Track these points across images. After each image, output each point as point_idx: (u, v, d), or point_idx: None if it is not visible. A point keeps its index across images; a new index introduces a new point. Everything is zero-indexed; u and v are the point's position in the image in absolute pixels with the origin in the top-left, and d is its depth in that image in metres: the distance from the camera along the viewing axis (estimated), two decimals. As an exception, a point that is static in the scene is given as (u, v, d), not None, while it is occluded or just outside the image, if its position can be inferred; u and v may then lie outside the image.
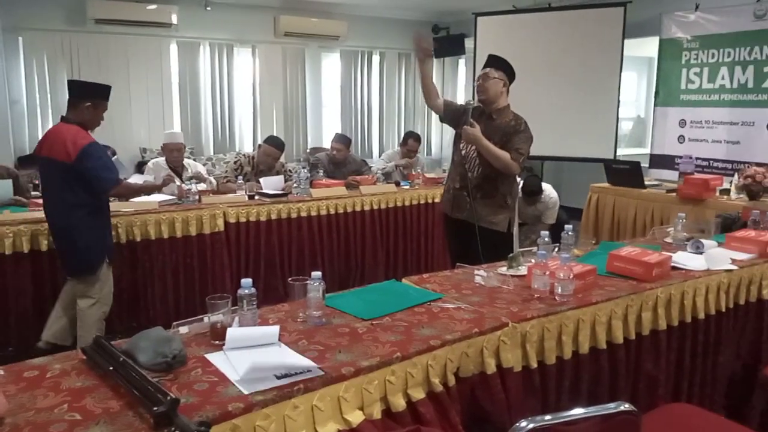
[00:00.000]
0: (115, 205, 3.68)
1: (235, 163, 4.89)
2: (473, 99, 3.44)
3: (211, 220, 4.07)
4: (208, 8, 7.68)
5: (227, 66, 8.03)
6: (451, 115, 3.48)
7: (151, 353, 1.56)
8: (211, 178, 4.91)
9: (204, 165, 6.28)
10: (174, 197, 4.16)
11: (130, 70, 7.32)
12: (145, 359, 1.56)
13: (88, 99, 3.19)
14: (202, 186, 4.50)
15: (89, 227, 3.19)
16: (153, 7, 7.25)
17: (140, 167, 6.60)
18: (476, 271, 2.43)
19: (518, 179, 3.77)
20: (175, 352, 1.57)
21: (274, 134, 6.10)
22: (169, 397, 1.30)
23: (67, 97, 3.23)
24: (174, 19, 7.36)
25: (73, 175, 3.09)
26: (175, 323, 1.82)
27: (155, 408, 1.28)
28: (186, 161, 4.76)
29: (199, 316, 1.84)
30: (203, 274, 4.08)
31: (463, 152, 3.34)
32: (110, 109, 3.38)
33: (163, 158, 4.66)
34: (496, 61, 3.31)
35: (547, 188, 5.33)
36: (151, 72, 7.55)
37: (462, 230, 3.36)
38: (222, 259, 4.14)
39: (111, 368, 1.50)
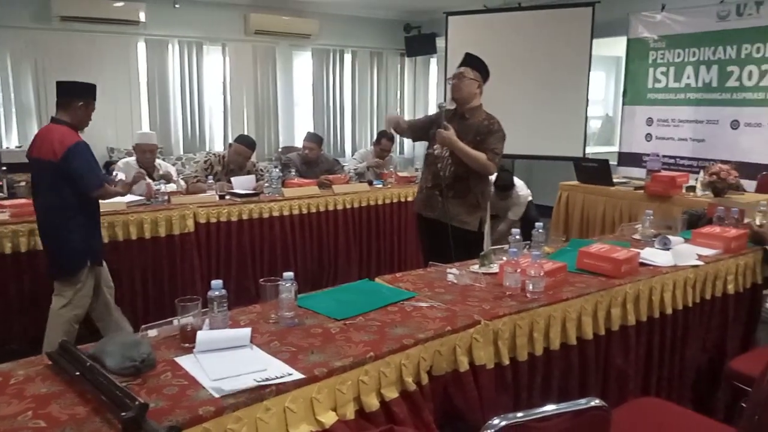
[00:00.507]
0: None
1: (205, 162, 4.82)
2: (446, 100, 3.46)
3: (180, 221, 4.00)
4: (177, 5, 7.57)
5: (197, 64, 7.93)
6: (419, 132, 3.55)
7: (118, 357, 1.53)
8: (181, 181, 4.83)
9: (174, 165, 6.18)
10: (142, 197, 4.09)
11: (97, 69, 7.13)
12: (113, 364, 1.53)
13: (79, 99, 3.16)
14: (171, 187, 4.43)
15: (73, 229, 3.13)
16: (120, 4, 7.12)
17: (107, 167, 6.47)
18: (449, 270, 2.44)
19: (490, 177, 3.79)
20: (143, 356, 1.54)
21: (245, 133, 6.07)
22: (137, 402, 1.28)
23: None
24: (142, 16, 7.24)
25: (60, 174, 3.04)
26: (143, 326, 1.80)
27: (123, 413, 1.26)
28: (157, 162, 4.68)
29: (168, 319, 1.82)
30: (173, 275, 4.01)
31: (436, 152, 3.34)
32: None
33: (134, 158, 4.57)
34: (472, 61, 3.32)
35: (519, 184, 5.38)
36: (118, 71, 7.42)
37: (434, 229, 3.36)
38: (192, 261, 4.08)
39: (77, 373, 1.47)
